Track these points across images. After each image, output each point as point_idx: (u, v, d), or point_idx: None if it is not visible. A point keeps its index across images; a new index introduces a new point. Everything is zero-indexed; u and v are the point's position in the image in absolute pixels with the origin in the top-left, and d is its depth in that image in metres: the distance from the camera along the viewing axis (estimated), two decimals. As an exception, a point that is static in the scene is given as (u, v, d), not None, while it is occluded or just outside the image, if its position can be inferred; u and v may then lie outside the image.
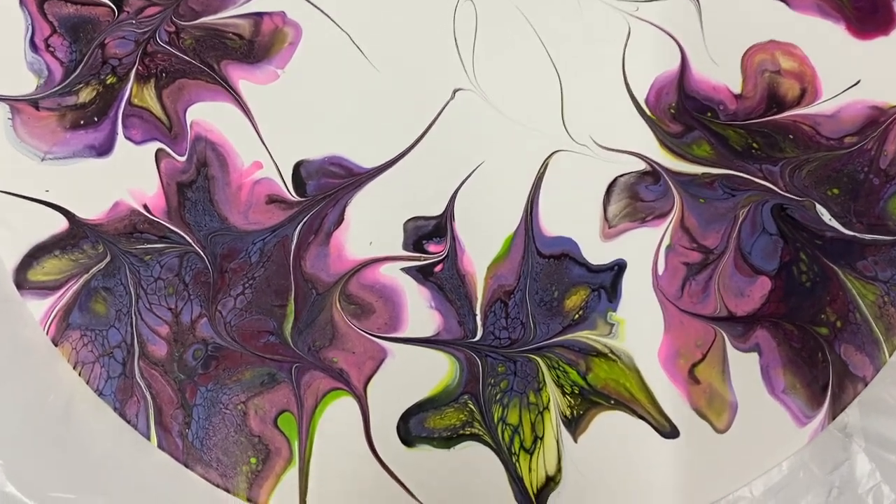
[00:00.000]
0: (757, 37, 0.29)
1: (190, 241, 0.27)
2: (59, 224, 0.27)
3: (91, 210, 0.27)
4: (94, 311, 0.26)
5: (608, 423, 0.26)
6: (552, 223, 0.27)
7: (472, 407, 0.26)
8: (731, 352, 0.26)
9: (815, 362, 0.26)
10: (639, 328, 0.27)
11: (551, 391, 0.26)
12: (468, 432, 0.26)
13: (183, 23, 0.28)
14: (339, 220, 0.27)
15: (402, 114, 0.28)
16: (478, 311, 0.27)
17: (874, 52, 0.28)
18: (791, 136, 0.28)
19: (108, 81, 0.28)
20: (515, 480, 0.26)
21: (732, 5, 0.29)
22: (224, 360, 0.26)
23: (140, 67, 0.28)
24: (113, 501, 0.26)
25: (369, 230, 0.27)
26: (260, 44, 0.28)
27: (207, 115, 0.27)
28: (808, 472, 0.27)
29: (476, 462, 0.26)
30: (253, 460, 0.26)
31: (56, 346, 0.26)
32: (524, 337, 0.27)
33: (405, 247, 0.27)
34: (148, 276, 0.26)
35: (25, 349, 0.27)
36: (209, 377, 0.26)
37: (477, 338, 0.26)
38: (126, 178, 0.27)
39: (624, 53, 0.28)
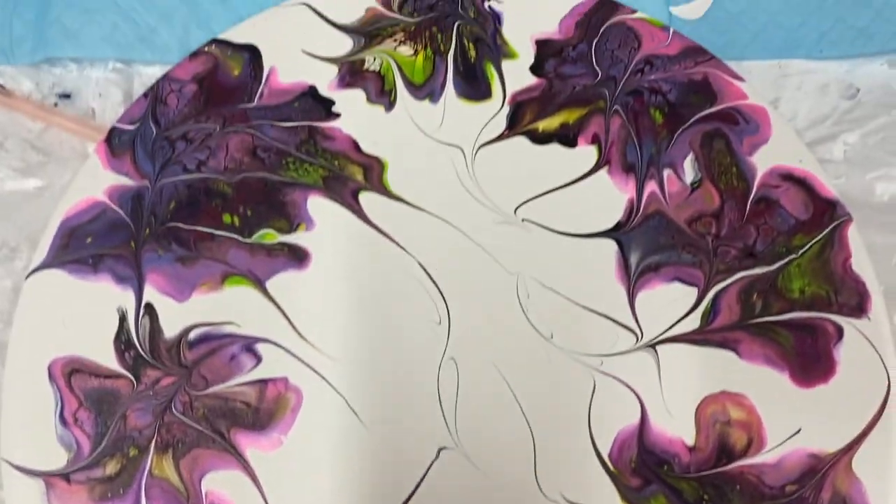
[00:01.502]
0: (710, 387, 0.32)
1: None
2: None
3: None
4: None
5: None
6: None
7: None
8: None
9: None
10: None
11: None
12: None
13: (195, 392, 0.32)
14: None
15: (392, 474, 0.31)
16: None
17: (814, 400, 0.32)
18: (738, 487, 0.31)
19: (131, 454, 0.31)
20: None
21: (687, 357, 0.32)
22: None
23: (158, 439, 0.31)
24: None
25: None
26: (265, 410, 0.32)
27: (221, 484, 0.31)
28: None
29: None
30: None
31: None
32: None
33: None
34: None
35: None
36: None
37: None
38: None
39: (590, 408, 0.32)
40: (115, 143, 0.34)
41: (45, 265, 0.33)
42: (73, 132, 0.34)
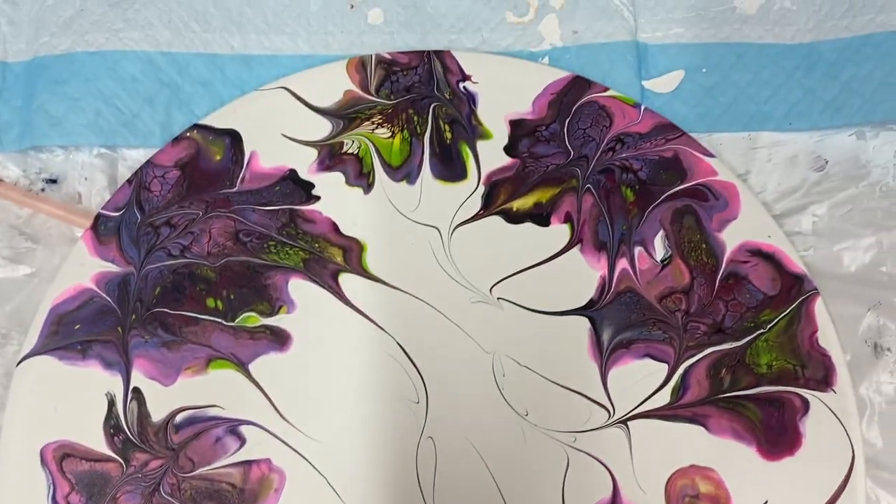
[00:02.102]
0: (679, 461, 0.33)
1: None
2: None
3: None
4: None
5: None
6: None
7: None
8: None
9: None
10: None
11: None
12: None
13: (182, 475, 0.33)
14: None
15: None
16: None
17: (781, 473, 0.33)
18: (707, 559, 0.33)
19: (122, 539, 0.32)
20: None
21: (658, 432, 0.33)
22: None
23: (147, 522, 0.32)
24: None
25: None
26: (249, 491, 0.33)
27: (207, 564, 0.32)
28: None
29: None
30: None
31: None
32: None
33: None
34: None
35: None
36: None
37: None
38: None
39: (563, 484, 0.33)
40: (102, 230, 0.35)
41: (36, 352, 0.34)
42: (60, 218, 0.35)
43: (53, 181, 0.36)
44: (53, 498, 0.33)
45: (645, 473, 0.33)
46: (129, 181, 0.36)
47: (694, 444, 0.33)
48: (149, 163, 0.36)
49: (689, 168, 0.36)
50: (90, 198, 0.36)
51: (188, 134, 0.37)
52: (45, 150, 0.37)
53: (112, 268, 0.35)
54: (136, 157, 0.36)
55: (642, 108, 0.37)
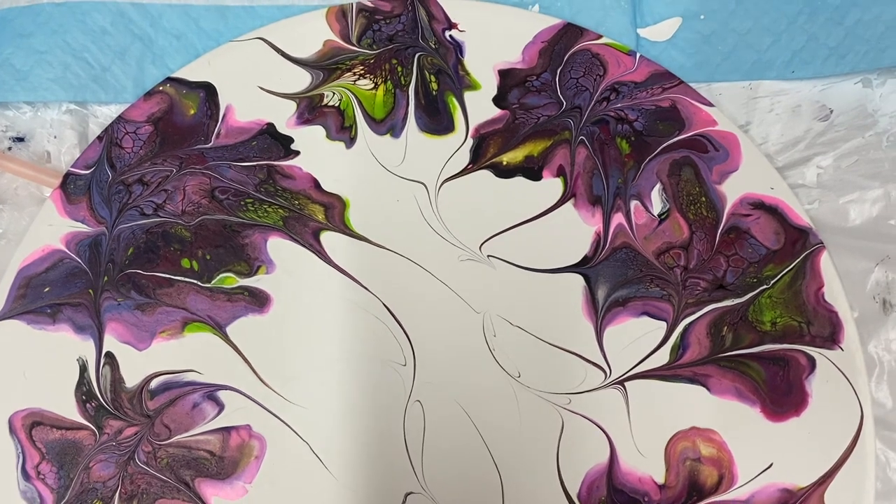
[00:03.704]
0: (679, 423, 0.32)
1: None
2: None
3: None
4: None
5: None
6: None
7: None
8: None
9: None
10: None
11: None
12: None
13: (158, 442, 0.31)
14: None
15: (359, 522, 0.31)
16: None
17: (786, 434, 0.31)
18: (709, 525, 0.31)
19: (95, 508, 0.31)
20: None
21: (657, 393, 0.32)
22: None
23: (122, 490, 0.31)
24: None
25: None
26: (229, 459, 0.31)
27: (185, 534, 0.31)
28: None
29: None
30: None
31: None
32: None
33: None
34: None
35: None
36: None
37: None
38: None
39: (558, 448, 0.31)
40: (71, 189, 0.34)
41: (3, 316, 0.32)
42: (27, 178, 0.33)
43: (21, 139, 0.35)
44: (23, 468, 0.31)
45: (644, 436, 0.31)
46: (99, 137, 0.34)
47: (695, 405, 0.31)
48: (120, 118, 0.34)
49: (688, 118, 0.34)
50: (59, 156, 0.34)
51: (161, 88, 0.35)
52: (12, 106, 0.35)
53: (82, 228, 0.33)
54: (107, 113, 0.35)
55: (637, 55, 0.35)
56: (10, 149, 0.35)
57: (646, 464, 0.31)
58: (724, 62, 0.36)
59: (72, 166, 0.34)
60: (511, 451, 0.32)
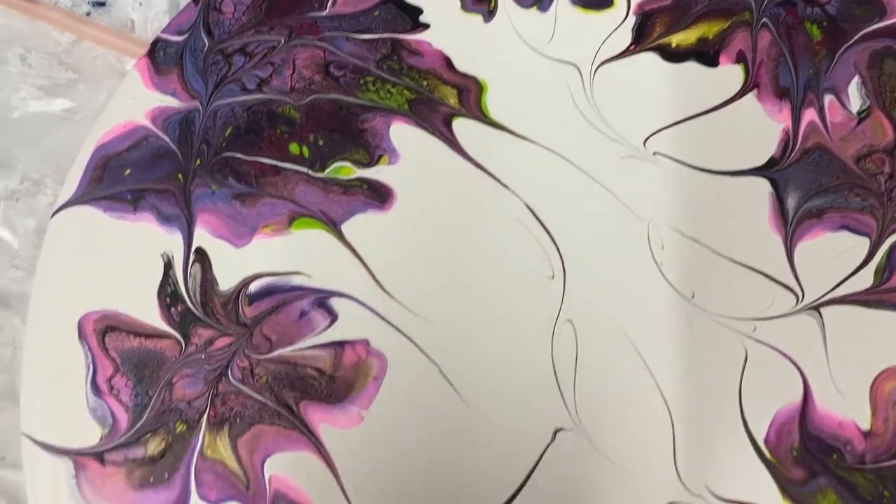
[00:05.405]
0: (887, 359, 0.26)
1: None
2: None
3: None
4: None
5: None
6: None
7: None
8: None
9: None
10: None
11: None
12: None
13: (257, 356, 0.26)
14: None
15: (497, 460, 0.26)
16: None
17: None
18: (928, 485, 0.26)
19: (178, 430, 0.25)
20: None
21: (859, 321, 0.26)
22: None
23: (211, 412, 0.26)
24: None
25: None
26: (341, 379, 0.26)
27: (288, 467, 0.25)
28: None
29: None
30: None
31: None
32: None
33: None
34: None
35: None
36: None
37: None
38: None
39: (741, 384, 0.26)
40: (160, 58, 0.29)
41: (75, 201, 0.27)
42: (108, 45, 0.29)
43: (101, 3, 0.30)
44: (93, 381, 0.26)
45: (844, 373, 0.26)
46: (194, 1, 0.29)
47: (906, 337, 0.26)
48: (219, -21, 0.30)
49: (889, 2, 0.29)
50: (146, 25, 0.30)
51: (269, -55, 0.30)
52: (93, -35, 0.30)
53: (172, 102, 0.28)
54: (203, -23, 0.30)
55: (831, -73, 0.30)
56: (88, 14, 0.30)
57: (846, 406, 0.26)
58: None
59: (162, 31, 0.29)
60: (683, 386, 0.26)
